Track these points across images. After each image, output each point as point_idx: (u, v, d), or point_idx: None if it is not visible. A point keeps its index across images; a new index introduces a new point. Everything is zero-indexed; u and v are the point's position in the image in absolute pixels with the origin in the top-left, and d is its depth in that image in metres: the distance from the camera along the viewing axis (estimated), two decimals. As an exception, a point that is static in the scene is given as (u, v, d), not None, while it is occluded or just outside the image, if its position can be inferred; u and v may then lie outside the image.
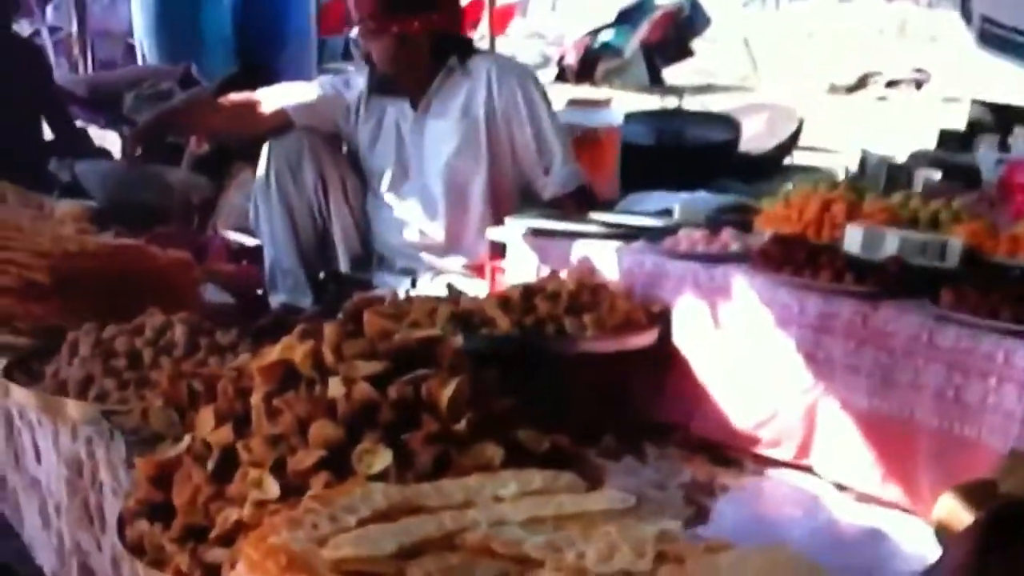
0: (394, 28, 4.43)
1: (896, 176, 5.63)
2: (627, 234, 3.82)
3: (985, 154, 5.23)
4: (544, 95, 4.61)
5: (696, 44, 14.54)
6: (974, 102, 6.87)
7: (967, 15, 7.28)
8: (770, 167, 8.95)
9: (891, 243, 3.28)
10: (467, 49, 4.66)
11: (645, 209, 4.31)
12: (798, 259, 3.24)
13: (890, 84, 12.85)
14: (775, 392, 3.23)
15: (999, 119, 6.36)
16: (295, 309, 4.22)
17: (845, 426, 3.11)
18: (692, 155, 8.20)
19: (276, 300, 4.61)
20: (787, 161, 9.51)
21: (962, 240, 3.29)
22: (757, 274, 3.31)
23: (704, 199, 4.39)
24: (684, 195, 4.50)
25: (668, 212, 4.07)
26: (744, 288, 3.32)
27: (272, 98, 4.72)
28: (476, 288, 3.92)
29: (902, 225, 3.51)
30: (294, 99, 4.70)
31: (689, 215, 3.92)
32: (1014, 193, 4.12)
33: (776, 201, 3.86)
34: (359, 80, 4.72)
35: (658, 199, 4.44)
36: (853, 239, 3.34)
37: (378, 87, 4.63)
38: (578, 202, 4.40)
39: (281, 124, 4.64)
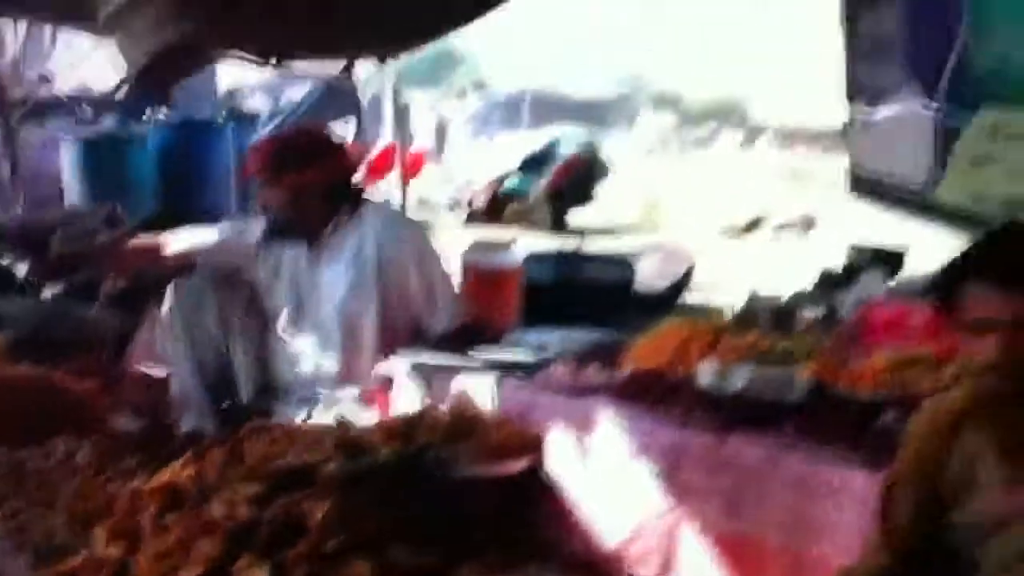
0: (287, 180, 4.68)
1: (780, 314, 5.87)
2: (504, 368, 4.03)
3: (849, 294, 5.50)
4: (430, 244, 4.88)
5: (599, 189, 14.93)
6: (851, 246, 7.16)
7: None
8: (665, 305, 9.19)
9: (741, 377, 3.49)
10: (358, 198, 4.90)
11: (527, 343, 4.51)
12: (655, 393, 3.45)
13: (780, 227, 13.22)
14: (638, 515, 3.40)
15: (876, 259, 6.63)
16: (199, 435, 4.36)
17: (703, 546, 3.28)
18: (590, 294, 8.41)
19: (183, 427, 4.74)
20: (682, 300, 9.77)
21: (808, 374, 3.51)
22: (618, 406, 3.50)
23: (579, 336, 4.59)
24: (560, 332, 4.70)
25: (545, 347, 4.28)
26: (607, 419, 3.51)
27: (179, 240, 4.93)
28: (367, 418, 4.09)
29: (755, 360, 3.73)
30: (199, 242, 4.92)
31: (563, 350, 4.13)
32: (866, 331, 4.35)
33: (643, 338, 4.08)
34: (259, 224, 4.93)
35: (537, 335, 4.64)
36: (706, 373, 3.52)
37: (276, 232, 4.83)
38: (463, 338, 4.59)
39: (186, 264, 4.85)
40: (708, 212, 14.40)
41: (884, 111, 6.67)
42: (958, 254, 2.56)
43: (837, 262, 6.68)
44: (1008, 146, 5.94)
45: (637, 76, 35.59)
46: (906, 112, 6.50)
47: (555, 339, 4.39)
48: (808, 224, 13.06)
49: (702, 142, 24.85)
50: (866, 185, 7.29)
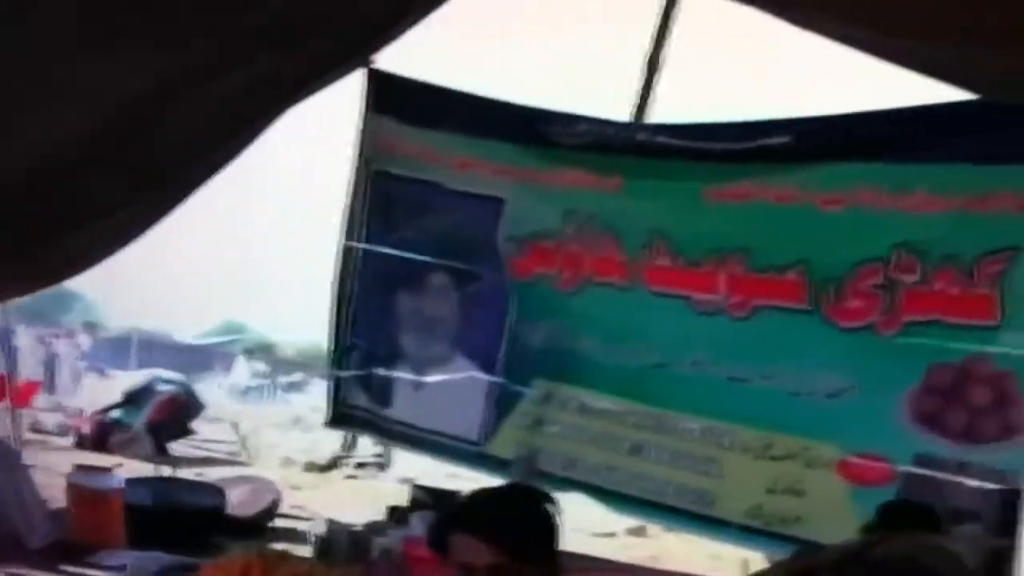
0: None
1: (356, 541, 6.04)
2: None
3: (406, 529, 5.74)
4: (27, 472, 4.82)
5: (199, 423, 14.90)
6: (414, 486, 7.48)
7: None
8: (256, 530, 9.15)
9: None
10: None
11: (110, 564, 4.48)
12: None
13: (359, 465, 13.51)
14: None
15: (435, 499, 6.95)
16: None
17: None
18: (185, 517, 8.31)
19: None
20: (272, 524, 9.76)
21: None
22: None
23: (156, 557, 4.62)
24: (136, 553, 4.71)
25: (123, 567, 4.29)
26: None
27: None
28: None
29: None
30: None
31: (138, 571, 4.15)
32: (408, 563, 4.60)
33: (211, 564, 4.17)
34: None
35: (118, 556, 4.64)
36: None
37: None
38: (59, 553, 4.51)
39: None
40: (295, 448, 14.55)
41: (434, 377, 7.17)
42: (450, 509, 2.78)
43: (403, 499, 6.95)
44: (558, 411, 6.56)
45: (236, 324, 35.67)
46: (459, 380, 7.04)
47: (132, 559, 4.41)
48: (382, 464, 13.41)
49: (295, 386, 25.02)
50: (343, 419, 7.69)
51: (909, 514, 3.77)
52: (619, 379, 6.37)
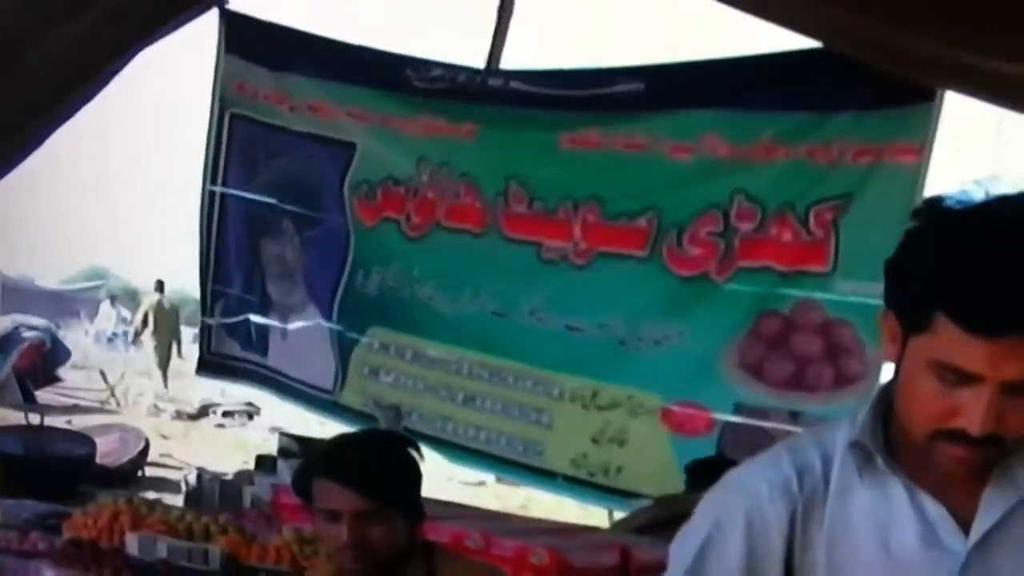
0: None
1: (226, 490, 6.14)
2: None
3: (274, 477, 5.83)
4: None
5: (65, 371, 14.85)
6: (282, 434, 7.57)
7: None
8: (125, 478, 9.30)
9: (161, 548, 3.68)
10: None
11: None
12: (87, 559, 3.61)
13: (226, 414, 13.63)
14: None
15: (302, 447, 7.10)
16: None
17: None
18: (56, 466, 8.42)
19: None
20: (141, 473, 9.88)
21: (221, 548, 3.73)
22: (59, 570, 3.65)
23: (27, 506, 4.69)
24: (7, 501, 4.78)
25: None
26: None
27: None
28: None
29: (176, 535, 3.87)
30: None
31: (8, 519, 4.23)
32: (278, 511, 4.56)
33: (80, 511, 4.21)
34: None
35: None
36: (132, 544, 3.73)
37: None
38: None
39: None
40: (163, 399, 14.59)
41: (294, 324, 7.13)
42: (312, 455, 2.81)
43: (272, 447, 7.02)
44: (393, 359, 6.54)
45: (99, 270, 35.04)
46: (312, 327, 7.00)
47: (2, 508, 4.47)
48: (251, 413, 13.55)
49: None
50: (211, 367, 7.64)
51: (718, 470, 4.02)
52: (456, 327, 6.28)
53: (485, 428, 6.20)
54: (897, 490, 1.58)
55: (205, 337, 7.67)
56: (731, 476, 1.69)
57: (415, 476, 2.64)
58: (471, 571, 2.74)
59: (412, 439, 2.77)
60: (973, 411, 1.46)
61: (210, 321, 7.56)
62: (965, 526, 1.56)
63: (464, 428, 6.28)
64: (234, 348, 7.42)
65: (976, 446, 1.48)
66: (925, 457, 1.53)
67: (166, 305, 15.35)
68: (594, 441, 5.76)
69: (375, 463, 2.57)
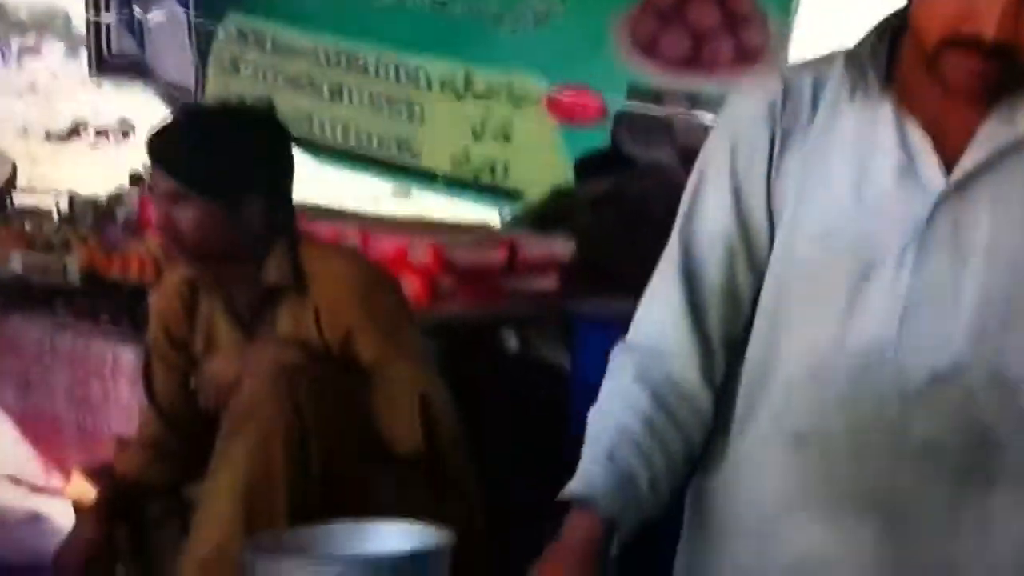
0: None
1: (100, 213, 5.76)
2: None
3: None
4: None
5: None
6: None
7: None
8: (-9, 205, 8.79)
9: (16, 263, 3.41)
10: None
11: None
12: None
13: (99, 133, 13.06)
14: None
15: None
16: None
17: (8, 426, 3.21)
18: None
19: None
20: (11, 200, 9.36)
21: (80, 261, 3.49)
22: None
23: None
24: None
25: None
26: None
27: None
28: None
29: (32, 248, 3.64)
30: None
31: None
32: (143, 224, 4.39)
33: None
34: None
35: None
36: None
37: None
38: None
39: None
40: (31, 119, 13.88)
41: (155, 17, 6.49)
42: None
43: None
44: (253, 50, 5.98)
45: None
46: (169, 17, 6.35)
47: None
48: (126, 131, 13.00)
49: (29, 50, 23.53)
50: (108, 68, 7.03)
51: (609, 165, 3.66)
52: (317, 11, 5.74)
53: (354, 126, 5.76)
54: (885, 114, 1.55)
55: (95, 35, 6.94)
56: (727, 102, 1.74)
57: (255, 158, 2.44)
58: (336, 254, 2.61)
59: (275, 123, 2.56)
60: (988, 12, 1.42)
61: (104, 19, 6.83)
62: (951, 167, 1.53)
63: (331, 126, 5.83)
64: (133, 46, 6.77)
65: (987, 59, 1.45)
66: (930, 80, 1.51)
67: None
68: (475, 136, 5.38)
69: (187, 143, 2.42)
